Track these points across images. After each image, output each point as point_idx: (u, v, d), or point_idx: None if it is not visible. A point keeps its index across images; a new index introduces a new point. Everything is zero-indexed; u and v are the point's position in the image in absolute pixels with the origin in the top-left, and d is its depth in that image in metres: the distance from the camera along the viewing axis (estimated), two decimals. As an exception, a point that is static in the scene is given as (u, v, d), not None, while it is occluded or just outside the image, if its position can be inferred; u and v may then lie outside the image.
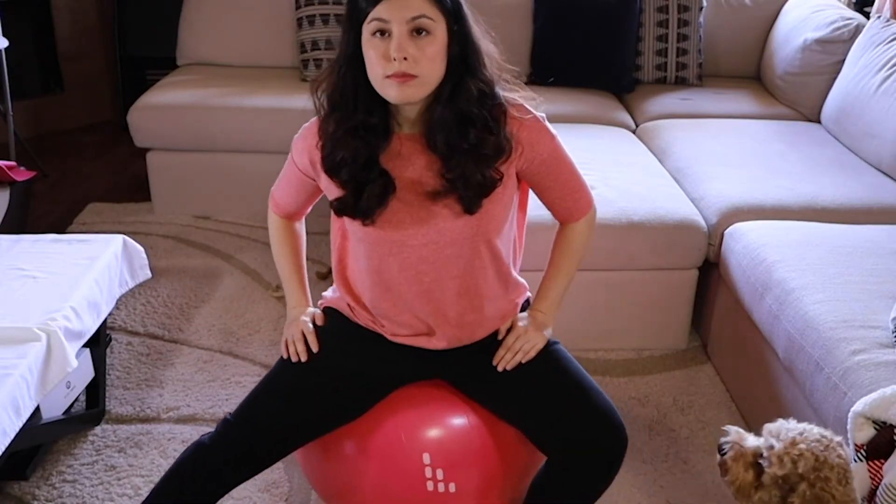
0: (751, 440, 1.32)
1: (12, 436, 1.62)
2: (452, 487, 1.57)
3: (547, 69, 3.57)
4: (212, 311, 2.73)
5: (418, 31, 1.36)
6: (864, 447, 1.49)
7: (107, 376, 2.27)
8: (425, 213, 1.47)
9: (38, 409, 1.89)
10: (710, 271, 2.53)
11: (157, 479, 1.98)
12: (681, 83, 3.60)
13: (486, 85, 1.45)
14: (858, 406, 1.53)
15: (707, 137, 2.98)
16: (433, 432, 1.60)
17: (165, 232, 3.26)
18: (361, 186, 1.46)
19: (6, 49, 3.40)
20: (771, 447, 1.27)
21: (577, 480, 1.53)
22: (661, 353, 2.57)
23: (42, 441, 2.01)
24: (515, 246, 1.67)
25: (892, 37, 2.87)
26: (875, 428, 1.50)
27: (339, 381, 1.59)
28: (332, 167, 1.48)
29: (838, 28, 3.17)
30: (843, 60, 3.11)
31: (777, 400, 2.05)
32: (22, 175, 2.83)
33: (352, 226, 1.53)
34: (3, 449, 1.59)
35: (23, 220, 2.80)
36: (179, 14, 3.70)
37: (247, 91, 3.34)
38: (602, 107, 3.38)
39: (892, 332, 1.75)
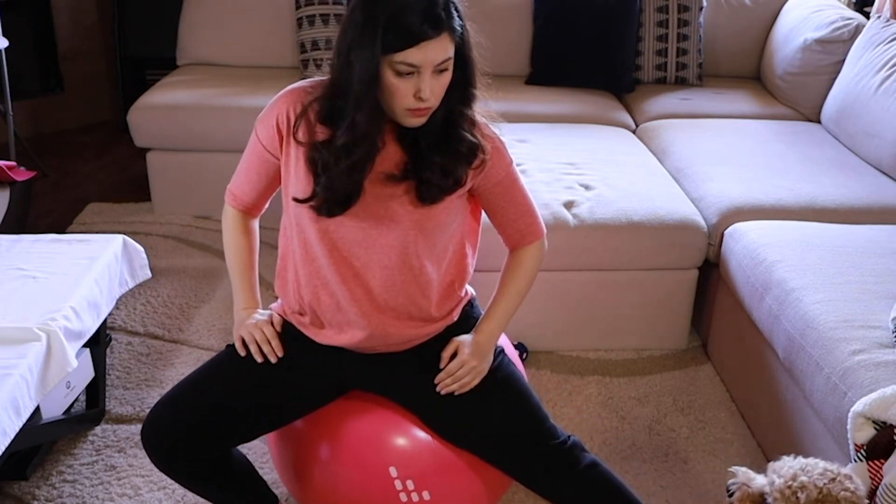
0: (758, 480, 1.31)
1: (12, 436, 1.62)
2: (427, 496, 1.58)
3: (547, 69, 3.59)
4: (212, 311, 2.73)
5: (440, 71, 1.40)
6: (864, 447, 1.49)
7: (107, 376, 2.27)
8: (368, 196, 1.49)
9: (38, 409, 1.89)
10: (710, 271, 2.53)
11: (156, 478, 1.99)
12: (681, 83, 3.60)
13: (472, 96, 1.51)
14: (858, 406, 1.53)
15: (707, 137, 2.98)
16: (397, 445, 1.60)
17: (165, 232, 3.26)
18: (338, 195, 1.47)
19: (6, 49, 3.40)
20: (773, 483, 1.26)
21: (547, 492, 1.58)
22: (661, 353, 2.57)
23: (42, 441, 2.01)
24: (466, 261, 1.66)
25: (892, 37, 2.87)
26: (875, 428, 1.50)
27: (284, 381, 1.60)
28: (324, 189, 1.47)
29: (838, 28, 3.17)
30: (843, 60, 3.11)
31: (777, 400, 2.05)
32: (22, 175, 2.83)
33: (294, 203, 1.53)
34: (3, 449, 1.59)
35: (23, 220, 2.80)
36: (179, 14, 3.70)
37: (247, 91, 3.34)
38: (602, 107, 3.38)
39: (893, 332, 1.75)
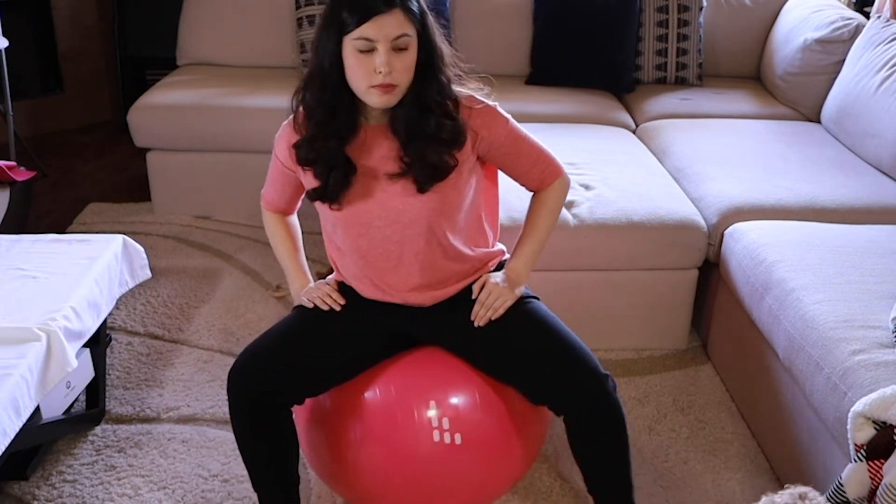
0: None
1: (12, 436, 1.62)
2: (458, 439, 1.63)
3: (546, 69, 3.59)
4: (212, 311, 2.73)
5: (399, 48, 1.50)
6: (864, 447, 1.49)
7: (107, 376, 2.27)
8: (384, 195, 1.62)
9: (38, 409, 1.89)
10: (710, 271, 2.53)
11: (156, 478, 2.00)
12: (681, 83, 3.60)
13: (446, 81, 1.60)
14: (858, 406, 1.53)
15: (707, 137, 2.98)
16: (442, 382, 1.69)
17: (165, 232, 3.26)
18: (329, 174, 1.61)
19: (6, 49, 3.40)
20: None
21: (584, 432, 1.63)
22: (661, 353, 2.57)
23: (42, 441, 2.01)
24: (486, 220, 1.79)
25: (892, 37, 2.87)
26: (875, 428, 1.50)
27: (348, 332, 1.72)
28: (307, 161, 1.63)
29: (838, 28, 3.17)
30: (843, 60, 3.11)
31: (777, 400, 2.05)
32: (22, 175, 2.83)
33: (325, 212, 1.68)
34: (3, 449, 1.59)
35: (23, 220, 2.80)
36: (179, 14, 3.70)
37: (247, 91, 3.34)
38: (602, 107, 3.38)
39: (893, 332, 1.75)
